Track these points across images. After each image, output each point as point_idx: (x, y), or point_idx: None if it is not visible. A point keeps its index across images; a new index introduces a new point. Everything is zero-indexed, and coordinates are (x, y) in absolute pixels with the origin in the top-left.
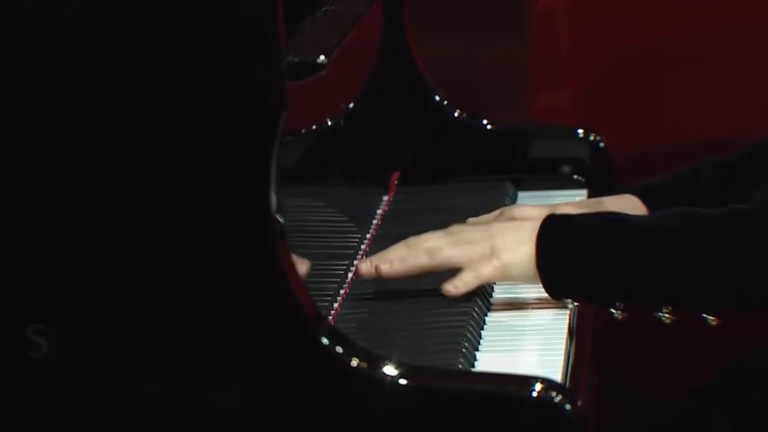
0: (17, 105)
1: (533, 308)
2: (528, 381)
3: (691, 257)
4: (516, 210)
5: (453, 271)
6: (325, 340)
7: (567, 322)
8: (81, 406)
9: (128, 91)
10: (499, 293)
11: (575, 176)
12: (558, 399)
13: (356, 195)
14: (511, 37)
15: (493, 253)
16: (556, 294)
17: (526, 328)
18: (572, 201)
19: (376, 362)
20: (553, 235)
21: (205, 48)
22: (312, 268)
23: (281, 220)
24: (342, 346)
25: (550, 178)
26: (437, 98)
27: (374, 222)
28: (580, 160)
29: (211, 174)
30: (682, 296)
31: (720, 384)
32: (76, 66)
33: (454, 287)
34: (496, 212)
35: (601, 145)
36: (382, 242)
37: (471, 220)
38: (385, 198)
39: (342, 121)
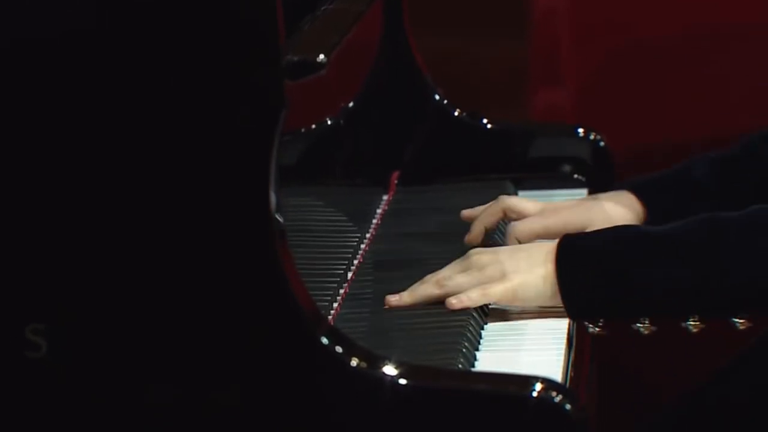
0: (17, 105)
1: (534, 308)
2: (528, 381)
3: (715, 267)
4: (510, 200)
5: None
6: (324, 340)
7: (567, 321)
8: (81, 406)
9: (128, 90)
10: None
11: (575, 175)
12: (558, 399)
13: (356, 194)
14: (512, 36)
15: (503, 276)
16: (579, 316)
17: (527, 328)
18: (564, 201)
19: (376, 362)
20: (572, 257)
21: (204, 47)
22: (312, 268)
23: (281, 219)
24: (342, 346)
25: (550, 178)
26: (437, 97)
27: (374, 221)
28: (580, 159)
29: (211, 173)
30: (708, 306)
31: (719, 384)
32: (75, 65)
33: (459, 301)
34: (492, 203)
35: (602, 144)
36: (382, 242)
37: (465, 212)
38: (385, 197)
39: (342, 121)
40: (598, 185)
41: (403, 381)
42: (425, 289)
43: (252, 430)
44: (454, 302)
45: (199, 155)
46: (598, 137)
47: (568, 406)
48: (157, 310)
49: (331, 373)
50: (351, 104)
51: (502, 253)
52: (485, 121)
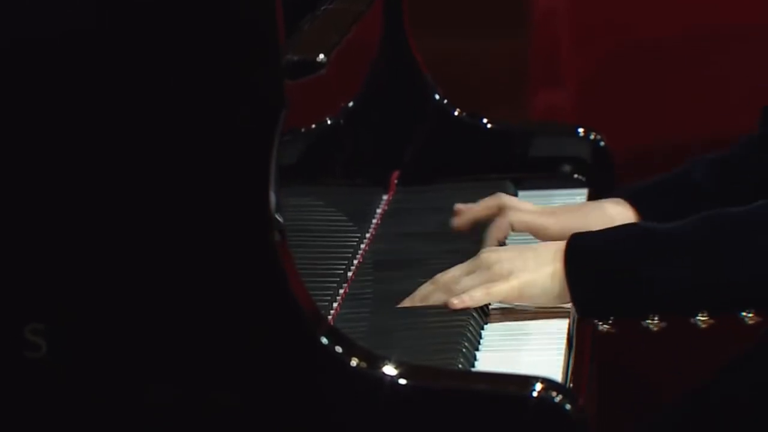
0: (17, 104)
1: (534, 308)
2: (528, 381)
3: (723, 262)
4: (509, 198)
5: None
6: (324, 340)
7: (567, 322)
8: (80, 406)
9: (127, 90)
10: None
11: (575, 175)
12: (558, 399)
13: (356, 194)
14: (512, 36)
15: (510, 274)
16: (588, 314)
17: (527, 329)
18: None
19: (376, 362)
20: (581, 255)
21: (204, 47)
22: (312, 268)
23: (281, 219)
24: (342, 346)
25: (550, 177)
26: (437, 97)
27: (374, 221)
28: (580, 159)
29: (211, 173)
30: (717, 302)
31: (720, 384)
32: (75, 65)
33: (461, 301)
34: (490, 197)
35: (602, 144)
36: (382, 242)
37: (459, 205)
38: (385, 197)
39: (341, 120)
40: (598, 185)
41: (403, 381)
42: (434, 295)
43: (252, 430)
44: (456, 302)
45: (199, 155)
46: (598, 137)
47: (568, 406)
48: (156, 310)
49: (331, 373)
50: (351, 104)
51: (510, 251)
52: (485, 120)
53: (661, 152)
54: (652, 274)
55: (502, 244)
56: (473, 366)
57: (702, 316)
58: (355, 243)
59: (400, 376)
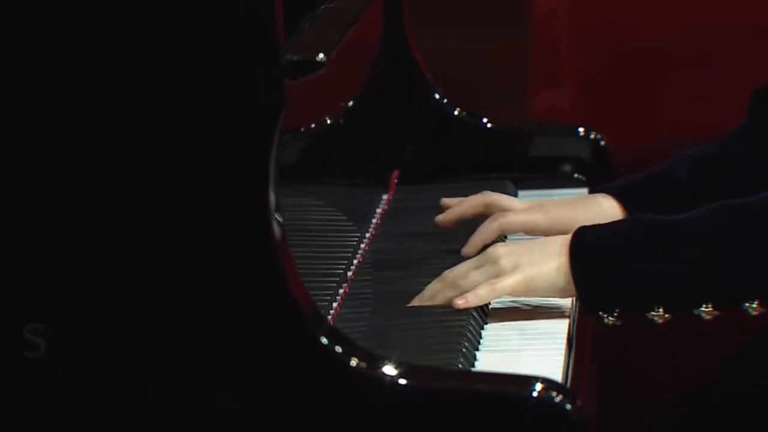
0: (16, 104)
1: (533, 308)
2: (528, 381)
3: (729, 253)
4: (494, 195)
5: None
6: (324, 340)
7: (567, 322)
8: (79, 406)
9: (127, 90)
10: None
11: (576, 175)
12: (558, 399)
13: (356, 194)
14: (512, 36)
15: (515, 268)
16: (594, 307)
17: (527, 328)
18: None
19: (376, 362)
20: (586, 248)
21: (204, 47)
22: (311, 268)
23: (280, 219)
24: (341, 346)
25: (550, 177)
26: (437, 97)
27: (374, 221)
28: (580, 158)
29: (210, 173)
30: (724, 294)
31: (720, 383)
32: (74, 64)
33: (465, 301)
34: (476, 195)
35: (602, 143)
36: (382, 241)
37: (445, 200)
38: (385, 197)
39: (341, 120)
40: (598, 185)
41: (402, 381)
42: (442, 293)
43: (252, 430)
44: (460, 303)
45: (198, 155)
46: (599, 137)
47: (568, 406)
48: (156, 309)
49: (330, 373)
50: (351, 104)
51: (518, 245)
52: (485, 120)
53: (661, 152)
54: (657, 267)
55: (466, 220)
56: (473, 366)
57: (706, 308)
58: (355, 243)
59: (400, 376)
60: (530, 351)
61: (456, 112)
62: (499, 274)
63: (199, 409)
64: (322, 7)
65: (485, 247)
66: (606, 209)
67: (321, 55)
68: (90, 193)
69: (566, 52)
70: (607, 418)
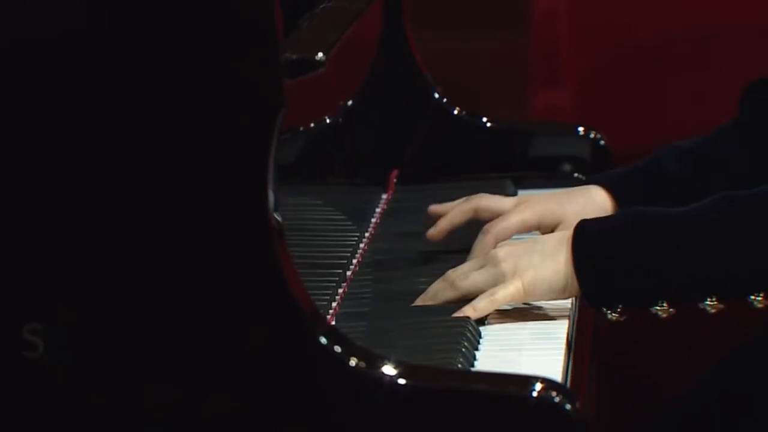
0: (15, 104)
1: (533, 308)
2: (528, 381)
3: (730, 245)
4: (482, 199)
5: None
6: (323, 340)
7: (567, 322)
8: (78, 406)
9: (126, 89)
10: None
11: (575, 174)
12: (558, 399)
13: (355, 193)
14: (512, 35)
15: (514, 273)
16: (598, 302)
17: (527, 328)
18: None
19: (375, 362)
20: (589, 246)
21: (203, 46)
22: (310, 267)
23: (279, 218)
24: (341, 346)
25: (550, 177)
26: (437, 96)
27: (373, 220)
28: (580, 158)
29: (209, 172)
30: (728, 287)
31: (720, 383)
32: (74, 64)
33: (462, 314)
34: (462, 200)
35: (602, 143)
36: (381, 241)
37: (433, 207)
38: (384, 196)
39: (341, 119)
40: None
41: (402, 381)
42: (443, 293)
43: (251, 430)
44: (459, 315)
45: (197, 154)
46: (598, 136)
47: (568, 406)
48: (155, 309)
49: (330, 373)
50: (350, 103)
51: (518, 246)
52: (485, 120)
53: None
54: (658, 260)
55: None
56: (473, 366)
57: (711, 301)
58: (354, 242)
59: (399, 375)
60: (530, 351)
61: (456, 112)
62: (498, 279)
63: (199, 409)
64: (322, 6)
65: None
66: (596, 199)
67: (320, 54)
68: (89, 192)
69: (566, 51)
70: (607, 418)
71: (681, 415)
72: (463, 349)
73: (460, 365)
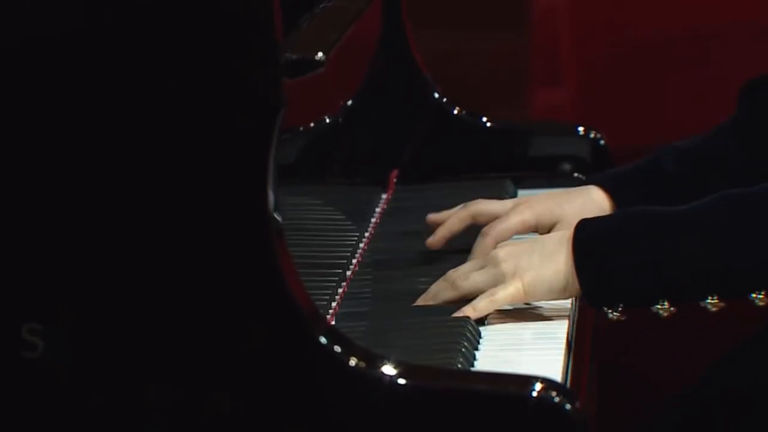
0: (14, 104)
1: (533, 308)
2: (528, 381)
3: (729, 243)
4: (478, 204)
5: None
6: (323, 340)
7: (567, 322)
8: (78, 406)
9: (126, 89)
10: None
11: (575, 174)
12: (558, 399)
13: (355, 193)
14: (512, 35)
15: (514, 274)
16: (598, 302)
17: (526, 328)
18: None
19: (375, 362)
20: (587, 244)
21: (202, 45)
22: (310, 267)
23: (279, 218)
24: (340, 346)
25: (550, 176)
26: (436, 96)
27: (373, 220)
28: (580, 157)
29: (209, 172)
30: (729, 285)
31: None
32: (73, 64)
33: (462, 314)
34: (459, 208)
35: (602, 142)
36: (381, 240)
37: (430, 216)
38: (384, 196)
39: (340, 119)
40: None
41: (402, 381)
42: (443, 293)
43: (251, 430)
44: (459, 315)
45: (197, 153)
46: (598, 136)
47: (567, 406)
48: (154, 309)
49: (329, 373)
50: (350, 102)
51: (519, 247)
52: (485, 119)
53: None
54: (657, 258)
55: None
56: (472, 366)
57: (712, 299)
58: (354, 242)
59: (399, 375)
60: (530, 351)
61: (455, 111)
62: (499, 279)
63: (197, 409)
64: (321, 6)
65: None
66: (595, 199)
67: (320, 54)
68: (88, 192)
69: (566, 51)
70: (607, 418)
71: (681, 415)
72: (463, 349)
73: (459, 365)
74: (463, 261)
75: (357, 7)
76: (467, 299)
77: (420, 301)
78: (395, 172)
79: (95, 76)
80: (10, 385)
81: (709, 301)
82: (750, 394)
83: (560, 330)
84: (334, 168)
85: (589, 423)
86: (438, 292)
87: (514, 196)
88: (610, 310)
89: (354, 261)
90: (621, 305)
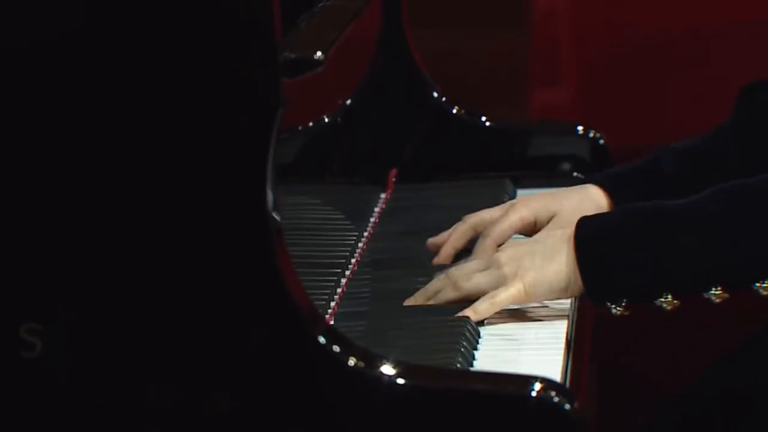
0: (13, 104)
1: (533, 307)
2: (527, 381)
3: (737, 234)
4: (475, 216)
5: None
6: (322, 339)
7: (567, 322)
8: (76, 406)
9: (125, 88)
10: None
11: (575, 173)
12: (557, 399)
13: (354, 192)
14: (511, 34)
15: (515, 275)
16: (601, 298)
17: (526, 328)
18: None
19: (374, 361)
20: (588, 240)
21: (202, 45)
22: (309, 267)
23: (278, 217)
24: (339, 346)
25: (549, 176)
26: (435, 95)
27: (372, 219)
28: (579, 157)
29: (208, 171)
30: (733, 276)
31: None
32: (72, 63)
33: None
34: (457, 225)
35: (601, 142)
36: (380, 240)
37: (430, 240)
38: (383, 195)
39: (339, 118)
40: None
41: (401, 380)
42: (444, 293)
43: (250, 429)
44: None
45: (196, 153)
46: (598, 135)
47: (567, 406)
48: (153, 309)
49: (329, 373)
50: (349, 102)
51: (521, 247)
52: (484, 119)
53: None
54: (657, 251)
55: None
56: (472, 365)
57: (715, 290)
58: (353, 241)
59: (398, 375)
60: (529, 351)
61: (455, 111)
62: (500, 281)
63: (196, 409)
64: (320, 5)
65: None
66: (593, 197)
67: (319, 53)
68: (87, 191)
69: (566, 50)
70: (607, 417)
71: (681, 414)
72: (462, 349)
73: (459, 365)
74: (461, 260)
75: (356, 6)
76: (467, 299)
77: (418, 296)
78: (394, 172)
79: (95, 75)
80: (8, 385)
81: (712, 292)
82: (750, 394)
83: (560, 330)
84: (333, 167)
85: (588, 423)
86: (438, 291)
87: (514, 195)
88: (613, 306)
89: (353, 260)
90: (624, 301)
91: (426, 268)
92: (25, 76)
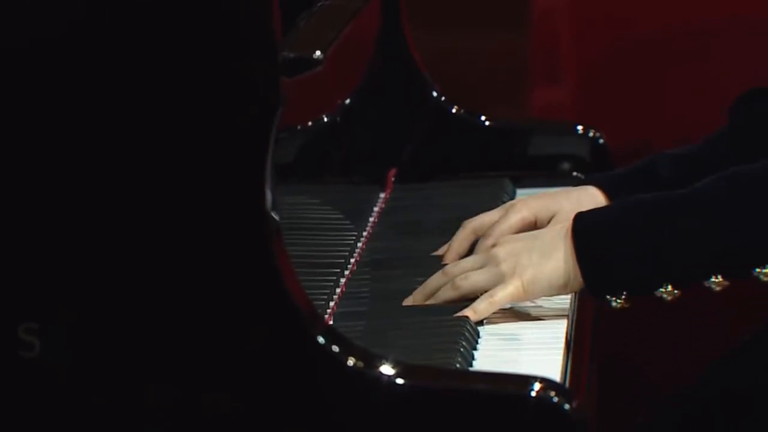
0: (13, 103)
1: (532, 307)
2: (527, 380)
3: (731, 220)
4: (474, 220)
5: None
6: (321, 339)
7: (566, 321)
8: (75, 406)
9: (123, 88)
10: None
11: (575, 173)
12: (557, 399)
13: (353, 192)
14: (511, 33)
15: (513, 273)
16: (601, 291)
17: (526, 328)
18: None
19: (373, 361)
20: (586, 234)
21: (201, 44)
22: (308, 266)
23: (277, 217)
24: (339, 346)
25: (549, 175)
26: (435, 94)
27: (371, 219)
28: (579, 156)
29: (206, 171)
30: (733, 265)
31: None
32: (72, 63)
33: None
34: (458, 232)
35: (601, 141)
36: (379, 240)
37: (435, 254)
38: (382, 195)
39: (338, 118)
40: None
41: (400, 381)
42: (442, 293)
43: (249, 430)
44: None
45: (195, 152)
46: (598, 134)
47: (567, 406)
48: (152, 308)
49: (328, 373)
50: (348, 101)
51: (519, 244)
52: (483, 118)
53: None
54: (656, 240)
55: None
56: (471, 365)
57: (716, 278)
58: (352, 241)
59: (397, 375)
60: (529, 350)
61: (454, 110)
62: (499, 279)
63: (196, 409)
64: (319, 5)
65: None
66: (592, 194)
67: (318, 53)
68: (86, 190)
69: (565, 49)
70: (606, 417)
71: (681, 414)
72: (462, 349)
73: (458, 365)
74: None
75: (355, 5)
76: (466, 298)
77: (417, 294)
78: (393, 171)
79: (95, 74)
80: (7, 385)
81: (713, 280)
82: (750, 394)
83: (559, 329)
84: (332, 167)
85: (588, 422)
86: (437, 291)
87: (513, 195)
88: (613, 298)
89: (352, 260)
90: (624, 293)
91: (425, 267)
92: (24, 76)
